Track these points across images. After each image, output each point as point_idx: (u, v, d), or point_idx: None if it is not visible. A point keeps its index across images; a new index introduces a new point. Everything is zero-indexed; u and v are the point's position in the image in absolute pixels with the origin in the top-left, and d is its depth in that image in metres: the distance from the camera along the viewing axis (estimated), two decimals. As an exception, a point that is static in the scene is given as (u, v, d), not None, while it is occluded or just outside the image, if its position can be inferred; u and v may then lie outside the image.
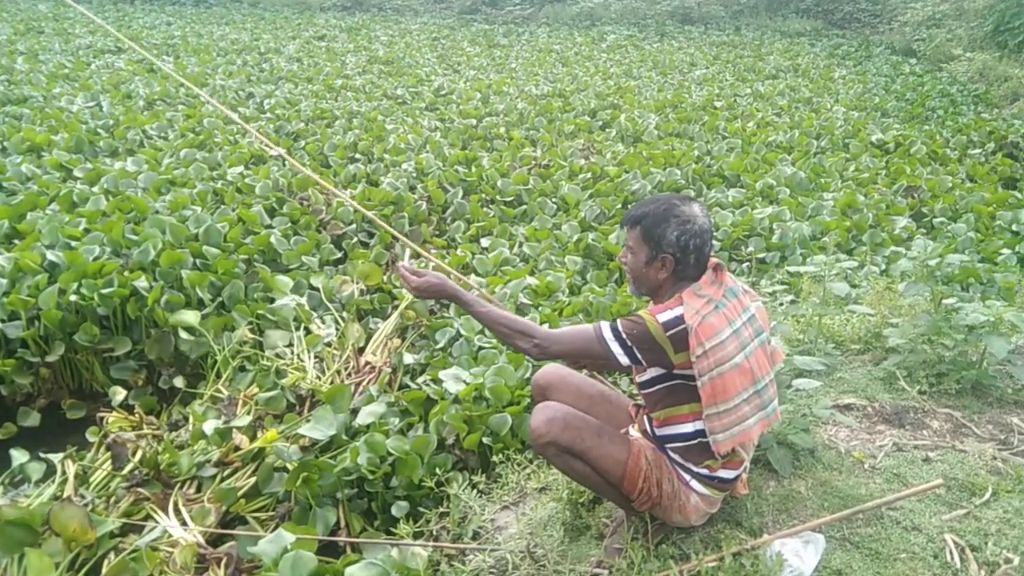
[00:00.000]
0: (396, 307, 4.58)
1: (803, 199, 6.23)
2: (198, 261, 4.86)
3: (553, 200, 6.27)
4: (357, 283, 4.71)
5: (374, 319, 4.58)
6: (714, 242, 2.33)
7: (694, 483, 2.34)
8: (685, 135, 8.25)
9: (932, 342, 3.28)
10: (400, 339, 4.32)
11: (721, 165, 7.04)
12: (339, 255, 5.25)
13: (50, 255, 4.66)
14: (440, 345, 4.13)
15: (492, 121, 8.73)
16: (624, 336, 2.21)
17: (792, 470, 2.62)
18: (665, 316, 2.19)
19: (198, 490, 3.49)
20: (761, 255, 5.01)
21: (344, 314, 4.55)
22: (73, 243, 4.89)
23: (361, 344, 4.22)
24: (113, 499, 3.36)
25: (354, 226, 5.66)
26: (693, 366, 2.17)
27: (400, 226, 5.61)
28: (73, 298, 4.33)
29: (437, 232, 5.87)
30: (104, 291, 4.35)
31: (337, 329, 4.31)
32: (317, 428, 3.25)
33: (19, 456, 3.52)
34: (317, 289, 4.74)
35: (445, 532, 2.87)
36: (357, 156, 7.24)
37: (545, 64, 13.16)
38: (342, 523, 3.24)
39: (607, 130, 8.57)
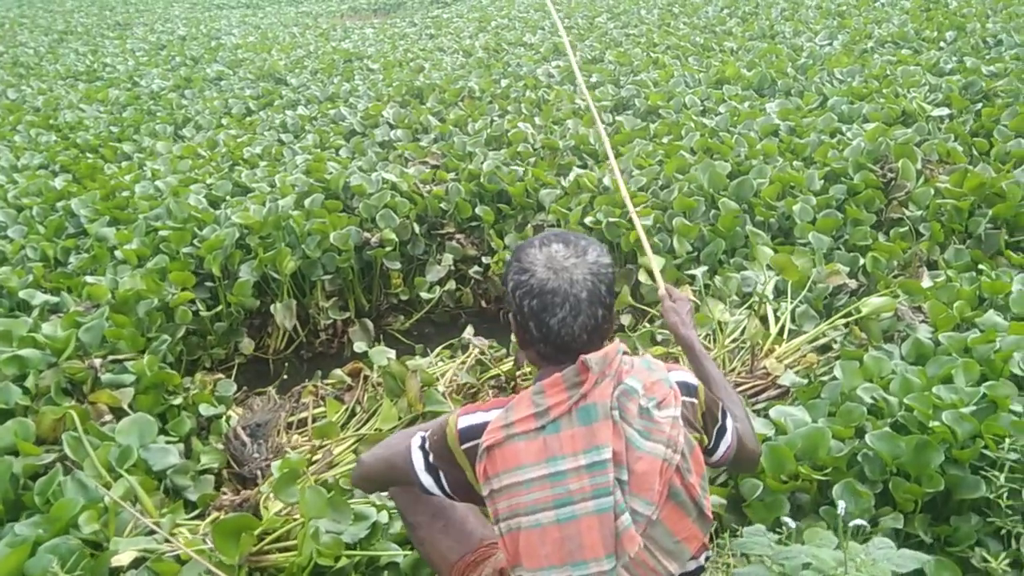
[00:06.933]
0: (852, 311, 3.66)
1: None
2: (711, 212, 4.77)
3: None
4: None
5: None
6: (591, 321, 1.40)
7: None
8: None
9: None
10: (819, 354, 3.53)
11: None
12: (867, 243, 4.38)
13: (606, 179, 5.25)
14: (819, 375, 3.25)
15: None
16: (427, 446, 1.59)
17: None
18: (470, 419, 1.54)
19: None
20: None
21: (804, 307, 3.90)
22: (637, 170, 5.35)
23: (767, 345, 3.62)
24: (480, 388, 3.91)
25: (923, 212, 4.56)
26: (488, 504, 1.45)
27: None
28: (588, 220, 4.87)
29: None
30: (611, 219, 4.75)
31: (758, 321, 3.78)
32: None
33: (467, 333, 4.34)
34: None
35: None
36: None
37: None
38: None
39: None
